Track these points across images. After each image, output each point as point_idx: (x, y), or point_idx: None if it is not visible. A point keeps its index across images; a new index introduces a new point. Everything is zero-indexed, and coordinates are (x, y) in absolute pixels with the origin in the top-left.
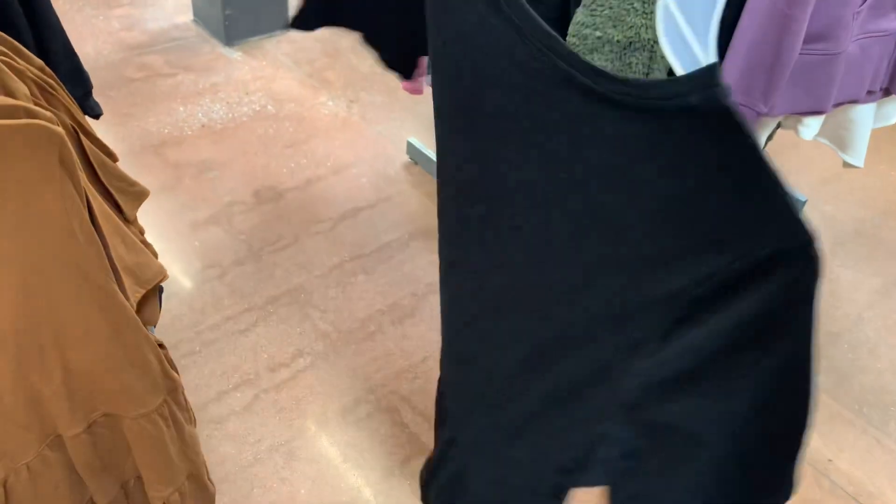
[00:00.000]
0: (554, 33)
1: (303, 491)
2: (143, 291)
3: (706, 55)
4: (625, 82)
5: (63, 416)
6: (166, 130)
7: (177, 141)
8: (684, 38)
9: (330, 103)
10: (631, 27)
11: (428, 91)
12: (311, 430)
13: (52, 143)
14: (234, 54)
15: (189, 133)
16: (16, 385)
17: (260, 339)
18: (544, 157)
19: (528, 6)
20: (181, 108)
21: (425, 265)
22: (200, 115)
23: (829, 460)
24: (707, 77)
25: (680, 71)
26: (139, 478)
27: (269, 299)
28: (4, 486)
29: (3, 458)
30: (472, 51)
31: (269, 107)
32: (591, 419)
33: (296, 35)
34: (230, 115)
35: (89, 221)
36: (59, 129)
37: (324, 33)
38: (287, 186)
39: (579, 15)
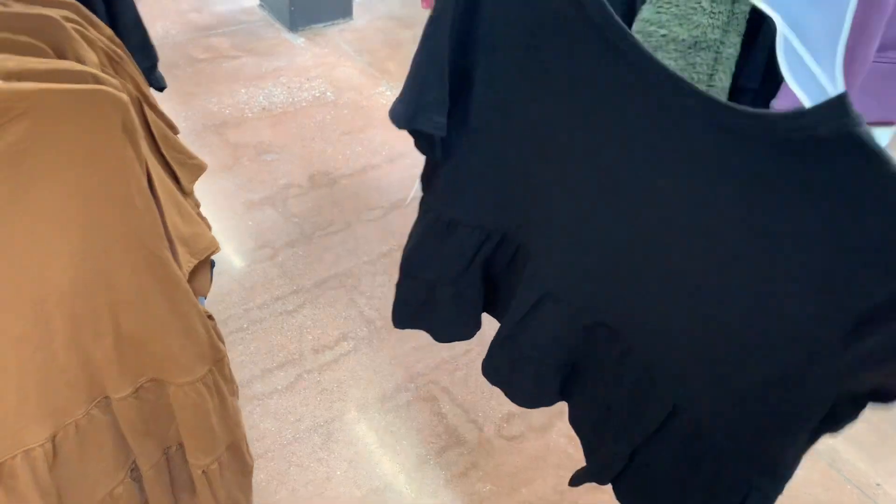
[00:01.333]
0: (675, 73)
1: (338, 472)
2: (196, 262)
3: (833, 85)
4: (753, 116)
5: (112, 379)
6: (227, 111)
7: (237, 122)
8: (808, 69)
9: (388, 93)
10: (697, 26)
11: None
12: (351, 413)
13: (116, 110)
14: (298, 40)
15: (250, 115)
16: (69, 345)
17: (306, 321)
18: (677, 192)
19: (643, 47)
20: (243, 91)
21: None
22: (261, 98)
23: (878, 484)
24: (835, 108)
25: (808, 103)
26: (181, 445)
27: (318, 282)
28: (53, 442)
29: (53, 415)
30: (590, 92)
31: (329, 94)
32: None
33: (359, 24)
34: (290, 99)
35: (148, 189)
36: (124, 97)
37: (386, 24)
38: (342, 173)
39: (645, 11)
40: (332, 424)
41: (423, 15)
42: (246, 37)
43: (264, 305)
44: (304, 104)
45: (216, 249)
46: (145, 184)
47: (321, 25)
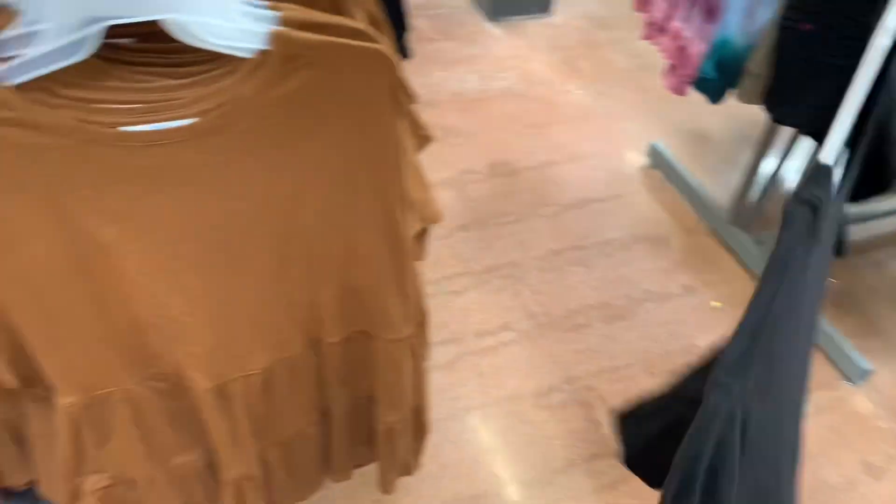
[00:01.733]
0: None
1: (488, 457)
2: (421, 227)
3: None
4: None
5: (328, 324)
6: (421, 92)
7: (428, 103)
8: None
9: (578, 92)
10: None
11: (682, 97)
12: (505, 402)
13: (386, 70)
14: (496, 30)
15: (441, 98)
16: (301, 285)
17: (471, 304)
18: None
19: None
20: (438, 74)
21: (644, 271)
22: (454, 83)
23: None
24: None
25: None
26: (369, 398)
27: (487, 268)
28: (268, 373)
29: (274, 347)
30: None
31: (519, 86)
32: None
33: (557, 20)
34: (481, 87)
35: (398, 151)
36: (394, 58)
37: (584, 23)
38: (522, 165)
39: None
40: (487, 409)
41: (625, 17)
42: (447, 22)
43: (433, 283)
44: (493, 93)
45: (440, 219)
46: (397, 145)
47: (520, 18)
